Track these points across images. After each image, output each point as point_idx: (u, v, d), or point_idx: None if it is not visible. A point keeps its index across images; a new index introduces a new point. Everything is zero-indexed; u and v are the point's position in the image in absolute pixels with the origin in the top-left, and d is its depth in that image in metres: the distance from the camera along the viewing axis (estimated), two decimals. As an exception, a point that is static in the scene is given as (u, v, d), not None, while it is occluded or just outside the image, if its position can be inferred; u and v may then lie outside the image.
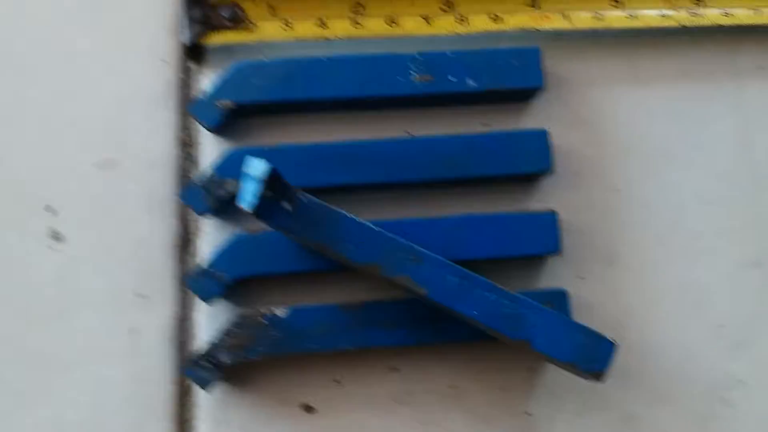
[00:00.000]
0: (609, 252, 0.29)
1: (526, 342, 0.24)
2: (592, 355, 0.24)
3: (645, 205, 0.30)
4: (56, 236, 0.28)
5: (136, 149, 0.29)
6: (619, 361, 0.28)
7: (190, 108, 0.28)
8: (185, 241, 0.28)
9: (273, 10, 0.29)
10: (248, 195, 0.22)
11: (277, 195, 0.23)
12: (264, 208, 0.22)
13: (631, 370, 0.28)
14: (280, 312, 0.27)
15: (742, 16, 0.31)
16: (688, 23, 0.30)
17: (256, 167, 0.22)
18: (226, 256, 0.27)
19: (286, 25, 0.28)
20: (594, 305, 0.29)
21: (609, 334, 0.24)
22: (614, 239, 0.30)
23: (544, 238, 0.28)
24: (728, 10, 0.31)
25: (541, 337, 0.24)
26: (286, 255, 0.27)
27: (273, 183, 0.22)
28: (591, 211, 0.30)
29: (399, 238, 0.24)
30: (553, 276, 0.29)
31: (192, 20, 0.28)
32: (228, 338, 0.26)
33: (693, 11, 0.31)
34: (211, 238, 0.28)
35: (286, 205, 0.23)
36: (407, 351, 0.28)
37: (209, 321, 0.28)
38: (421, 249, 0.24)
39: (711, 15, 0.30)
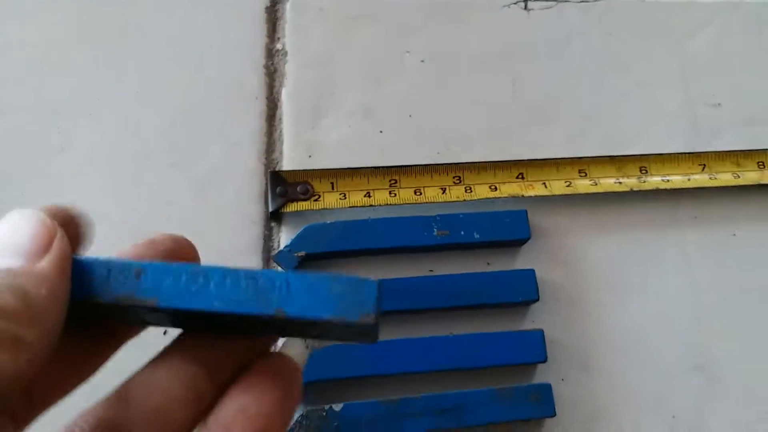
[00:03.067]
0: (584, 361, 0.39)
1: (279, 311, 0.19)
2: (355, 301, 0.20)
3: (611, 324, 0.40)
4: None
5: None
6: (595, 444, 0.37)
7: (275, 257, 0.39)
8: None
9: (333, 186, 0.40)
10: None
11: None
12: None
13: (604, 453, 0.37)
14: (336, 407, 0.36)
15: (678, 181, 0.41)
16: (636, 188, 0.41)
17: None
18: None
19: (343, 197, 0.40)
20: (573, 402, 0.38)
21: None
22: (588, 351, 0.39)
23: (533, 350, 0.38)
24: (667, 177, 0.41)
25: (295, 300, 0.20)
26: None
27: None
28: (570, 330, 0.39)
29: (114, 259, 0.20)
30: (541, 378, 0.38)
31: (275, 195, 0.39)
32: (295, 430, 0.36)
33: (640, 178, 0.41)
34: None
35: None
36: (434, 436, 0.37)
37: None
38: (145, 261, 0.20)
39: (653, 181, 0.41)
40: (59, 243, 0.17)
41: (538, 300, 0.38)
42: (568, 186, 0.41)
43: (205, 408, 0.18)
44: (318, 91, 0.43)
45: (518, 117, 0.43)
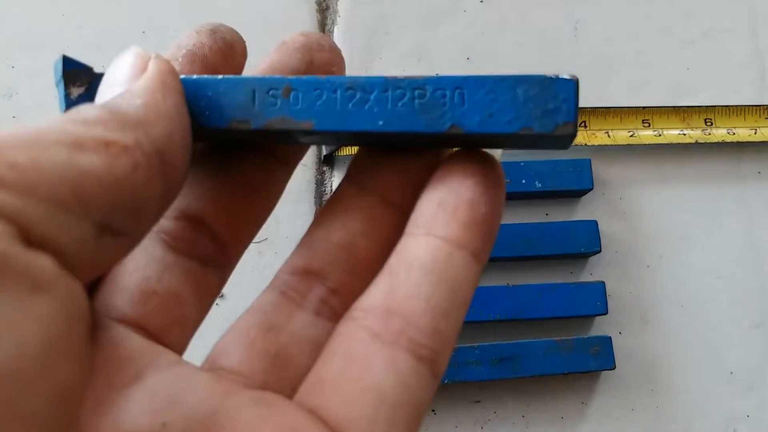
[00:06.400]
0: (642, 314, 0.38)
1: (454, 128, 0.16)
2: (547, 107, 0.16)
3: (670, 278, 0.39)
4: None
5: (283, 231, 0.38)
6: (651, 401, 0.37)
7: (330, 201, 0.38)
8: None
9: (390, 129, 0.38)
10: (61, 103, 0.17)
11: (83, 83, 0.17)
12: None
13: (660, 409, 0.37)
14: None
15: (744, 134, 0.40)
16: (701, 140, 0.40)
17: (56, 69, 0.17)
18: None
19: (400, 141, 0.38)
20: (631, 355, 0.37)
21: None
22: (647, 304, 0.38)
23: (594, 302, 0.37)
24: (732, 130, 0.40)
25: (472, 112, 0.16)
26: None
27: (74, 75, 0.17)
28: (629, 282, 0.39)
29: (257, 77, 0.17)
30: (598, 331, 0.38)
31: (331, 136, 0.38)
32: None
33: (705, 130, 0.40)
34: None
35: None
36: (488, 385, 0.37)
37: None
38: (291, 77, 0.17)
39: (719, 134, 0.40)
40: (154, 62, 0.16)
41: (599, 252, 0.38)
42: (631, 136, 0.40)
43: (390, 233, 0.18)
44: (371, 31, 0.41)
45: (580, 62, 0.41)
